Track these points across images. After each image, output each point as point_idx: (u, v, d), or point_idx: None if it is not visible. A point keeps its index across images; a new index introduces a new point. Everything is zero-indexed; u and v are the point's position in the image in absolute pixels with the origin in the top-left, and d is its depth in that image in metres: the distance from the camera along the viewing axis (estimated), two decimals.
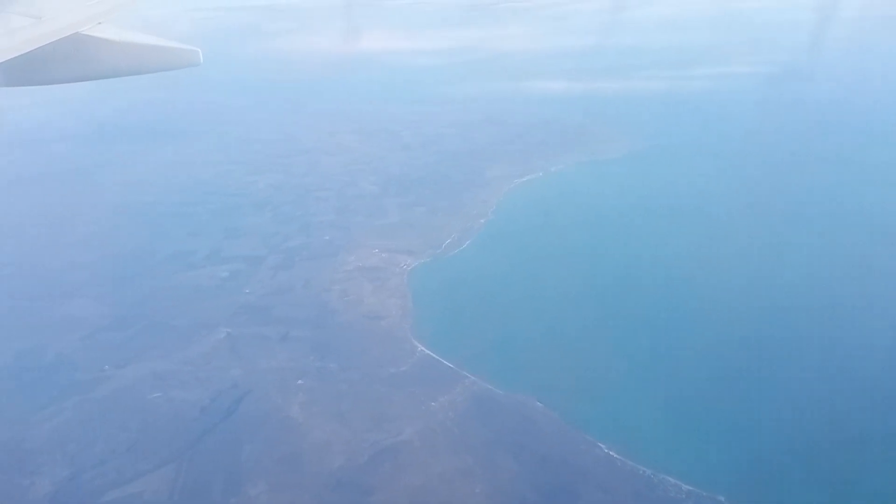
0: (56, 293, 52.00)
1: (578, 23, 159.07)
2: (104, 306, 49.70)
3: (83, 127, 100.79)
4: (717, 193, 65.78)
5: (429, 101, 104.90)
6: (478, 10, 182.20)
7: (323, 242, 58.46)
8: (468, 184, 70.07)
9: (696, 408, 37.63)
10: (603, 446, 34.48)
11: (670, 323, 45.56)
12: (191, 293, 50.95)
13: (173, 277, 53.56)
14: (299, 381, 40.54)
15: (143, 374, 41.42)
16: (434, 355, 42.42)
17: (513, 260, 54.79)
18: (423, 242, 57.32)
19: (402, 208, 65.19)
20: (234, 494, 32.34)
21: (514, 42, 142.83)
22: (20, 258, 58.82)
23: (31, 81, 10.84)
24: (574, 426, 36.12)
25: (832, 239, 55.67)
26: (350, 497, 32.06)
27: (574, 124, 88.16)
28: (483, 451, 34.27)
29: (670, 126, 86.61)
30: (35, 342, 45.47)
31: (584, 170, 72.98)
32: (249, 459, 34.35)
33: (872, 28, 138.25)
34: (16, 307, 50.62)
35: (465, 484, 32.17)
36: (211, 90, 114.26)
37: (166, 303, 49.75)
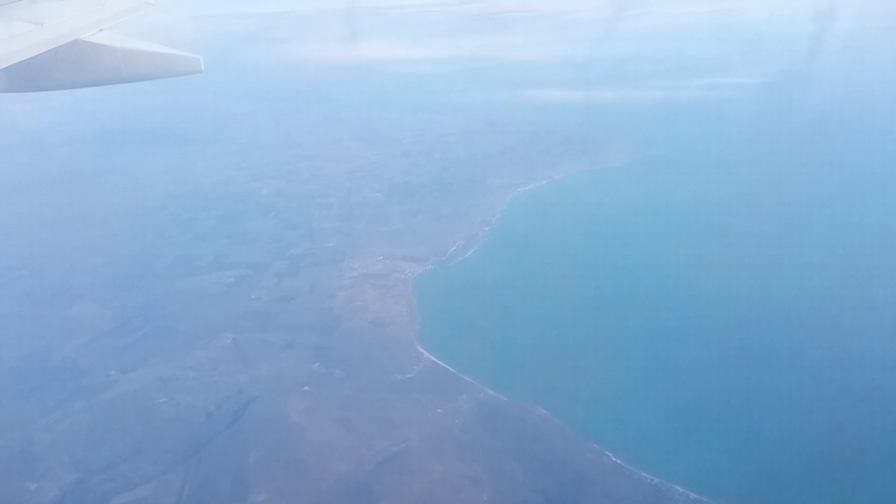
0: (61, 297, 52.10)
1: (581, 32, 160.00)
2: (109, 310, 49.76)
3: (88, 132, 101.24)
4: (719, 202, 66.07)
5: (432, 108, 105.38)
6: (481, 19, 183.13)
7: (327, 249, 58.60)
8: (471, 191, 70.35)
9: (703, 415, 37.66)
10: (610, 454, 34.50)
11: (675, 330, 45.67)
12: (196, 298, 51.03)
13: (178, 282, 53.67)
14: (305, 388, 40.55)
15: (148, 379, 41.43)
16: (439, 362, 42.47)
17: (517, 267, 54.92)
18: (428, 249, 57.47)
19: (406, 215, 65.39)
20: (240, 500, 32.28)
21: (517, 51, 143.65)
22: (26, 262, 58.90)
23: (33, 87, 10.90)
24: (580, 434, 36.13)
25: (833, 246, 55.90)
26: None
27: (577, 133, 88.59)
28: (490, 458, 34.26)
29: (672, 135, 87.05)
30: (41, 346, 45.51)
31: (588, 178, 73.32)
32: (256, 465, 34.30)
33: (872, 37, 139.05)
34: (21, 311, 50.67)
35: (472, 491, 32.14)
36: (215, 96, 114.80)
37: (171, 307, 49.83)
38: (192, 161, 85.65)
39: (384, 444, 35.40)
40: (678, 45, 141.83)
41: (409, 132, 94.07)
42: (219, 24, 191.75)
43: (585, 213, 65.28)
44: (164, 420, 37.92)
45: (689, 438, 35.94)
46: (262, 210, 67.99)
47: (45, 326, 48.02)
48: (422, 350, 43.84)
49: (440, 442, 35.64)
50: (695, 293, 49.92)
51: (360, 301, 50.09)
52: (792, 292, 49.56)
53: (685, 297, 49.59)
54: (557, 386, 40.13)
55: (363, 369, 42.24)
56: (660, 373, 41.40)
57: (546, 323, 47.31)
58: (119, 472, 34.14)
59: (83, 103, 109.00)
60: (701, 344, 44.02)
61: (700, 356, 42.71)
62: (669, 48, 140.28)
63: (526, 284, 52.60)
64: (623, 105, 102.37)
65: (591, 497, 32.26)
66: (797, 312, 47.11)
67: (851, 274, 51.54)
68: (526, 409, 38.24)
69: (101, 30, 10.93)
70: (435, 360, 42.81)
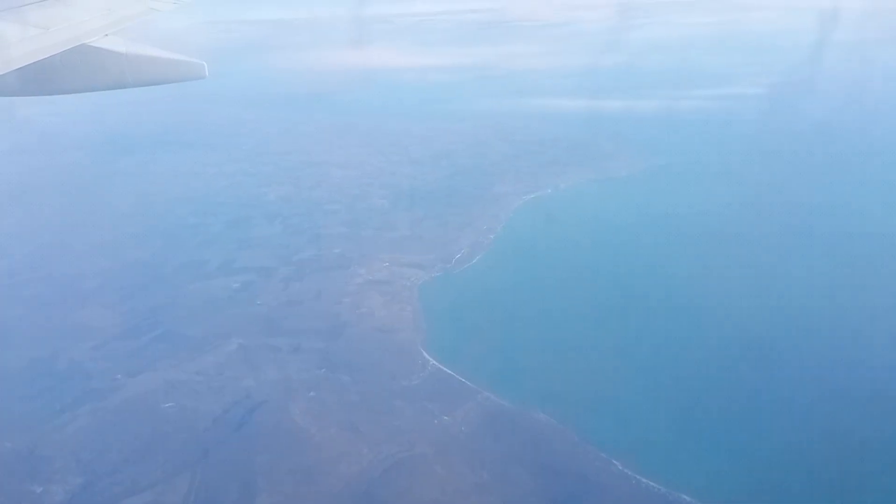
0: (69, 300, 52.28)
1: (587, 42, 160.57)
2: (117, 314, 49.89)
3: (94, 136, 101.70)
4: (725, 211, 65.99)
5: (438, 116, 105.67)
6: (488, 28, 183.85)
7: (334, 255, 58.72)
8: (478, 199, 70.46)
9: (710, 424, 37.56)
10: (617, 463, 34.41)
11: (681, 338, 45.58)
12: (203, 303, 51.15)
13: (186, 287, 53.80)
14: (311, 393, 40.58)
15: (155, 383, 41.52)
16: (446, 369, 42.45)
17: (523, 275, 54.94)
18: (434, 256, 57.55)
19: (413, 222, 65.49)
20: None
21: (524, 60, 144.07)
22: (34, 265, 59.16)
23: (40, 91, 10.97)
24: (587, 441, 36.04)
25: (842, 255, 55.83)
26: None
27: (583, 142, 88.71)
28: (498, 466, 34.20)
29: (679, 144, 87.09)
30: (48, 349, 45.62)
31: (594, 187, 73.39)
32: (262, 470, 34.31)
33: (877, 46, 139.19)
34: (29, 314, 50.83)
35: (479, 498, 32.09)
36: (223, 102, 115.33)
37: (179, 312, 49.96)
38: (198, 166, 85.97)
39: (391, 450, 35.38)
40: (684, 54, 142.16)
41: (416, 139, 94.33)
42: (226, 31, 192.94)
43: (591, 221, 65.31)
44: (171, 424, 37.97)
45: (696, 447, 35.83)
46: (268, 216, 68.19)
47: (52, 330, 48.15)
48: (427, 356, 43.84)
49: (447, 448, 35.61)
50: (701, 302, 49.84)
51: (366, 307, 50.16)
52: (801, 302, 49.46)
53: (691, 306, 49.52)
54: (564, 393, 40.07)
55: (369, 375, 42.26)
56: (666, 381, 41.34)
57: (552, 330, 47.29)
58: (126, 476, 34.17)
59: (88, 107, 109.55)
60: (708, 352, 43.94)
61: (707, 364, 42.64)
62: (675, 58, 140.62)
63: (532, 292, 52.62)
64: (629, 114, 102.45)
65: None
66: (807, 322, 47.01)
67: (860, 284, 51.42)
68: (532, 417, 38.18)
69: (107, 35, 11.00)
70: (441, 366, 42.80)
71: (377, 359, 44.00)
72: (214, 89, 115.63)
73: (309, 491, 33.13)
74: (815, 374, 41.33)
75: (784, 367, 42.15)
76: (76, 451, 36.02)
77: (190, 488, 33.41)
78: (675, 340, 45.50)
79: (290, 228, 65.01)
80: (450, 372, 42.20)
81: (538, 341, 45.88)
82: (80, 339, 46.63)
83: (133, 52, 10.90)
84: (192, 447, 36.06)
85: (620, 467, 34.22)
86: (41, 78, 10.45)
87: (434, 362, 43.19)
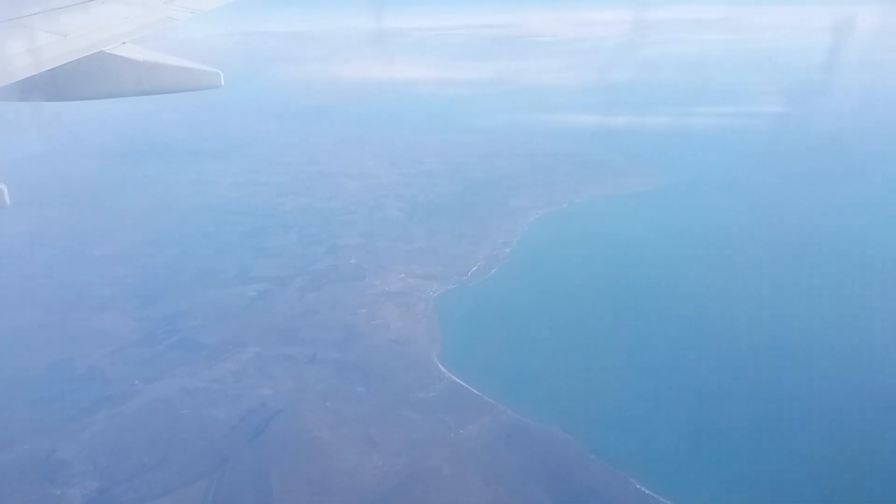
0: (87, 307, 52.64)
1: (601, 58, 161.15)
2: (134, 321, 50.23)
3: (111, 144, 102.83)
4: (739, 228, 65.81)
5: (453, 129, 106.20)
6: (502, 43, 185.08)
7: (350, 265, 58.94)
8: (493, 212, 70.63)
9: (728, 442, 37.25)
10: (634, 481, 34.16)
11: (698, 354, 45.29)
12: (220, 311, 51.41)
13: (202, 295, 54.10)
14: (327, 403, 40.63)
15: (172, 390, 41.68)
16: (462, 382, 42.39)
17: (539, 289, 54.90)
18: (449, 269, 57.65)
19: (428, 234, 65.70)
20: None
21: (538, 75, 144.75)
22: (51, 272, 59.67)
23: (56, 97, 11.06)
24: (604, 458, 35.83)
25: (856, 273, 55.55)
26: None
27: (598, 157, 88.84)
28: (514, 481, 34.05)
29: (693, 161, 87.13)
30: (66, 355, 45.90)
31: (609, 203, 73.43)
32: (279, 479, 34.31)
33: (891, 65, 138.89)
34: (47, 320, 51.17)
35: None
36: (239, 113, 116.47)
37: (195, 320, 50.21)
38: (215, 175, 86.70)
39: (408, 463, 35.32)
40: (698, 72, 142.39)
41: (431, 153, 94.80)
42: (242, 42, 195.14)
43: (607, 236, 65.24)
44: (189, 431, 38.09)
45: (716, 467, 35.53)
46: (284, 226, 68.63)
47: (70, 336, 48.49)
48: (443, 369, 43.82)
49: (463, 462, 35.50)
50: (716, 317, 49.61)
51: (381, 318, 50.26)
52: (817, 318, 49.18)
53: (706, 321, 49.28)
54: (579, 408, 39.94)
55: (385, 386, 42.27)
56: (682, 396, 41.07)
57: (568, 345, 47.17)
58: (143, 482, 34.27)
59: (104, 115, 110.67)
60: (725, 367, 43.66)
61: (724, 380, 42.34)
62: (689, 75, 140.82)
63: (547, 306, 52.56)
64: (643, 130, 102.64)
65: None
66: (824, 339, 46.65)
67: (877, 302, 51.12)
68: (547, 431, 38.03)
69: (125, 43, 11.14)
70: (456, 379, 42.74)
71: (392, 370, 44.02)
72: (230, 99, 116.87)
73: (324, 501, 33.11)
74: (837, 393, 40.95)
75: (805, 384, 41.81)
76: (94, 456, 36.18)
77: (206, 495, 33.46)
78: (691, 355, 45.25)
79: (306, 238, 65.37)
80: (465, 385, 42.14)
81: (554, 355, 45.74)
82: (98, 344, 46.92)
83: (150, 60, 10.95)
84: (209, 454, 36.13)
85: (637, 486, 33.99)
86: (59, 84, 10.52)
87: (449, 374, 43.16)
